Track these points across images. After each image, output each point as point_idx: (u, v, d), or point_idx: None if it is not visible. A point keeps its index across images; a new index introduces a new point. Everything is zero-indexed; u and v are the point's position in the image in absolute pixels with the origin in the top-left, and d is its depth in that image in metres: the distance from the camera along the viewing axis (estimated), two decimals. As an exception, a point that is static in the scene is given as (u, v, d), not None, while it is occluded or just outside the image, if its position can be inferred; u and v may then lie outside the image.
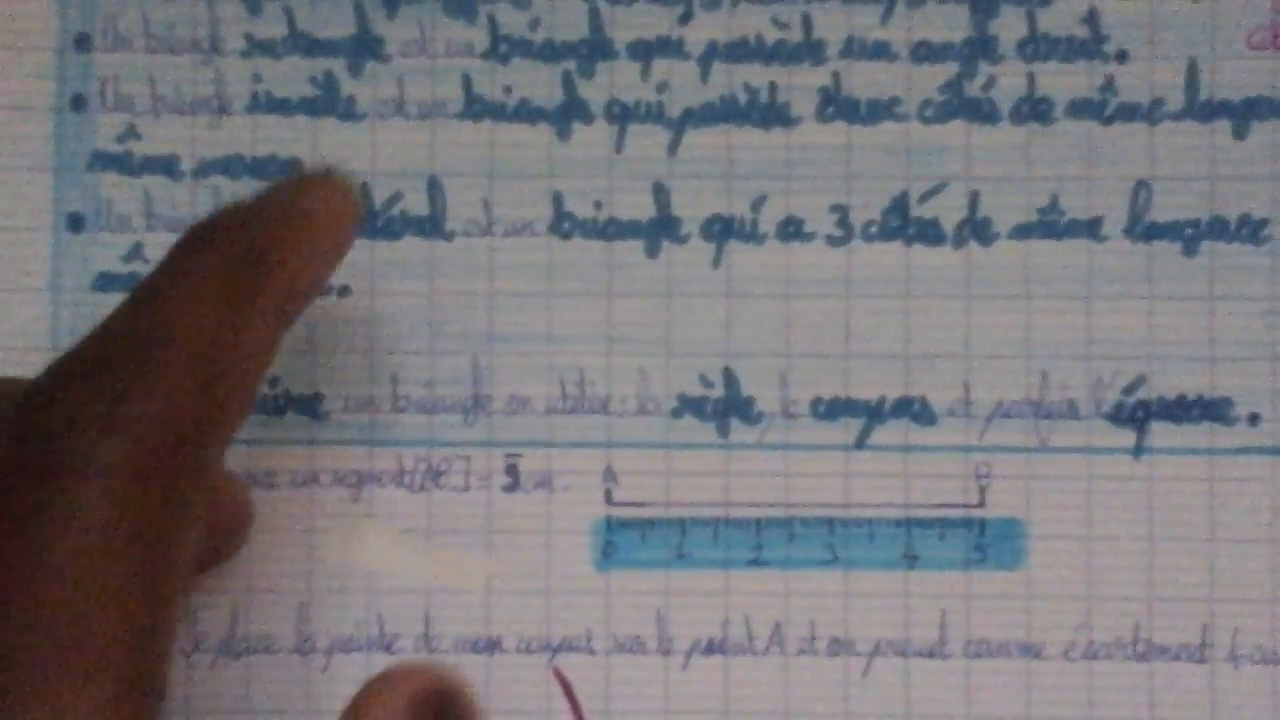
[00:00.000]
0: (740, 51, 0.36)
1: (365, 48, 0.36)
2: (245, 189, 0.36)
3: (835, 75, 0.36)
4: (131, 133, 0.36)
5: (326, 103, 0.36)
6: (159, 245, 0.36)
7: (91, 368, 0.27)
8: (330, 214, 0.32)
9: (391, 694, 0.29)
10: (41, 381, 0.28)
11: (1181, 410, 0.35)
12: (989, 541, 0.35)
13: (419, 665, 0.30)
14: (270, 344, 0.30)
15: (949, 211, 0.36)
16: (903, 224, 0.36)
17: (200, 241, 0.30)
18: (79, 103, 0.36)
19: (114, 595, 0.26)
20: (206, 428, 0.28)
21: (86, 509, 0.26)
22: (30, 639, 0.26)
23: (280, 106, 0.36)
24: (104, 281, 0.36)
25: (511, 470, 0.36)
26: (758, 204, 0.36)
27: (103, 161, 0.36)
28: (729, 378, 0.36)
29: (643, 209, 0.36)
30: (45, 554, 0.26)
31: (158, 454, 0.27)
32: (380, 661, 0.35)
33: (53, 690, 0.25)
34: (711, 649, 0.35)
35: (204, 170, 0.36)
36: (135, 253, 0.36)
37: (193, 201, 0.36)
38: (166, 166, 0.36)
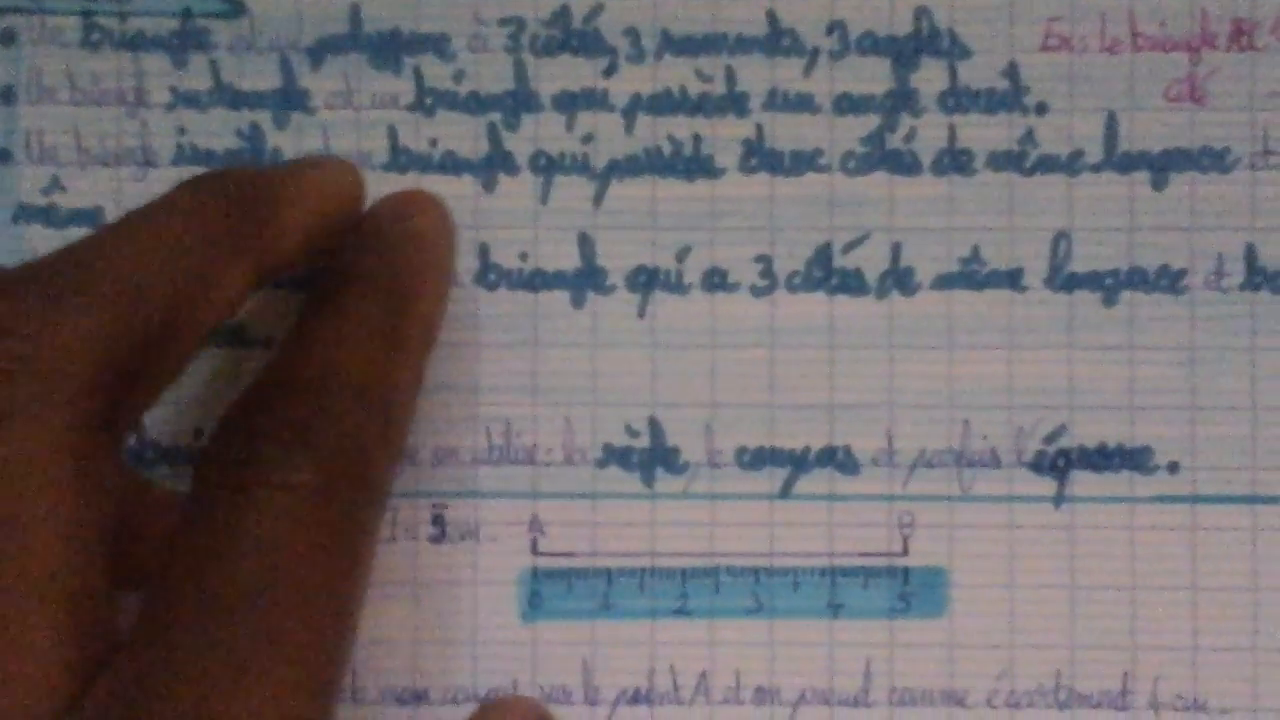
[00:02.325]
0: (664, 103, 0.36)
1: (290, 100, 0.36)
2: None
3: (758, 127, 0.36)
4: (56, 185, 0.36)
5: (252, 155, 0.36)
6: (84, 298, 0.35)
7: (278, 400, 0.30)
8: (448, 236, 0.35)
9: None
10: (234, 410, 0.30)
11: (1102, 459, 0.36)
12: (912, 590, 0.36)
13: (523, 699, 0.33)
14: (421, 372, 0.33)
15: (872, 262, 0.36)
16: (826, 274, 0.36)
17: (347, 281, 0.32)
18: (3, 155, 0.36)
19: (301, 606, 0.28)
20: (381, 452, 0.31)
21: (279, 520, 0.29)
22: (229, 639, 0.27)
23: (206, 158, 0.36)
24: (28, 334, 0.36)
25: (438, 521, 0.36)
26: (682, 254, 0.36)
27: (27, 214, 0.36)
28: (654, 427, 0.36)
29: (568, 260, 0.36)
30: (242, 568, 0.28)
31: (341, 474, 0.29)
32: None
33: (243, 693, 0.27)
34: (637, 699, 0.36)
35: (129, 223, 0.36)
36: (59, 305, 0.36)
37: (118, 254, 0.36)
38: (91, 219, 0.36)
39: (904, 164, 0.36)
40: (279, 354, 0.30)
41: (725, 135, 0.37)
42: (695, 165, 0.36)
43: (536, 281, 0.36)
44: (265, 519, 0.29)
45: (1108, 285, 0.36)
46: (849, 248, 0.36)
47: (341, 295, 0.31)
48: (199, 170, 0.36)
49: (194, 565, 0.28)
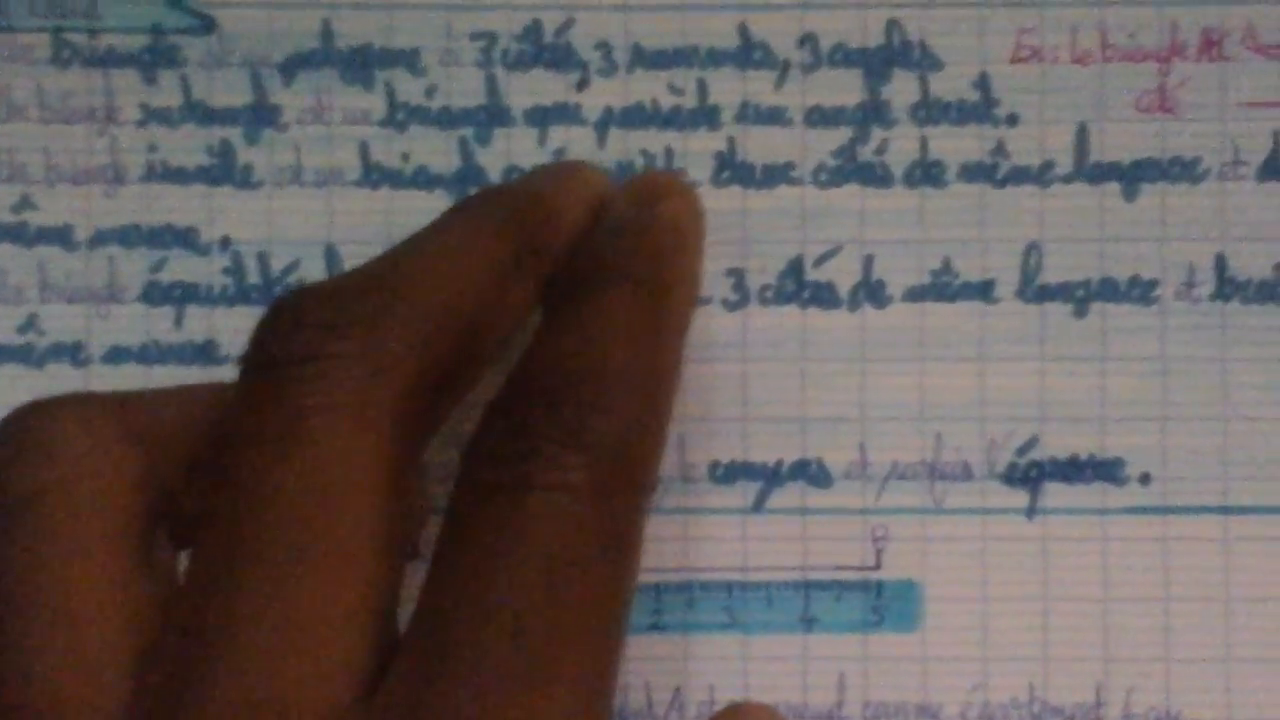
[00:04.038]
0: (636, 117, 0.36)
1: (262, 116, 0.36)
2: (141, 258, 0.36)
3: (730, 140, 0.36)
4: (26, 203, 0.36)
5: (223, 171, 0.36)
6: (53, 316, 0.36)
7: (545, 395, 0.29)
8: (697, 219, 0.35)
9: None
10: (498, 406, 0.30)
11: (1074, 470, 0.36)
12: (886, 603, 0.36)
13: (761, 707, 0.33)
14: (680, 362, 0.32)
15: (844, 275, 0.36)
16: (798, 287, 0.36)
17: (604, 275, 0.31)
18: (-27, 174, 0.36)
19: (583, 612, 0.28)
20: (650, 453, 0.30)
21: (553, 522, 0.28)
22: (508, 649, 0.27)
23: (176, 176, 0.36)
24: (-2, 352, 0.36)
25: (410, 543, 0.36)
26: (654, 269, 0.36)
27: (-3, 232, 0.36)
28: (627, 442, 0.36)
29: (540, 274, 0.36)
30: (519, 567, 0.28)
31: (615, 472, 0.29)
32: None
33: (519, 707, 0.27)
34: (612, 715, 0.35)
35: (99, 240, 0.36)
36: (30, 324, 0.36)
37: (88, 272, 0.36)
38: (61, 237, 0.36)
39: (876, 176, 0.37)
40: (538, 345, 0.29)
41: (697, 148, 0.37)
42: (667, 179, 0.36)
43: (509, 297, 0.36)
44: (544, 521, 0.28)
45: (1079, 296, 0.36)
46: (821, 260, 0.36)
47: (597, 285, 0.30)
48: (169, 188, 0.36)
49: (469, 567, 0.28)
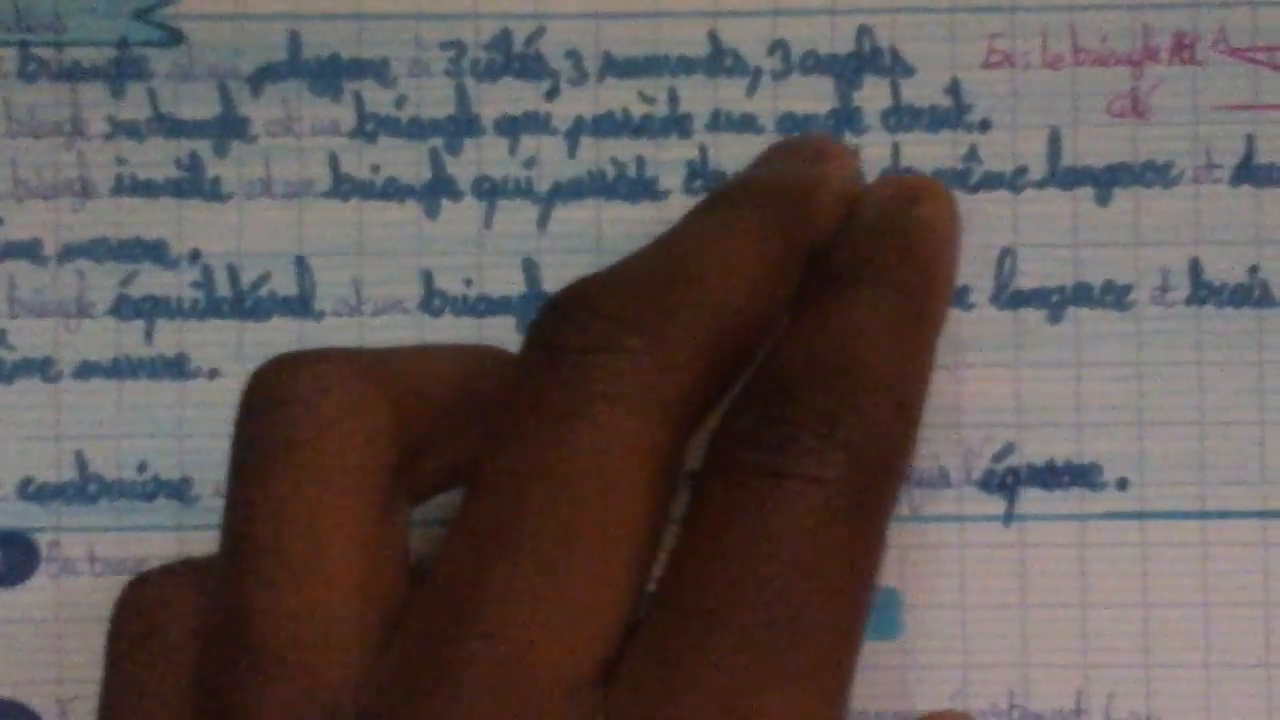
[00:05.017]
0: (607, 126, 0.36)
1: (230, 128, 0.36)
2: (111, 272, 0.36)
3: (702, 148, 0.36)
4: (-7, 218, 0.36)
5: (192, 184, 0.36)
6: (22, 331, 0.36)
7: (803, 388, 0.29)
8: (954, 223, 0.34)
9: None
10: (751, 395, 0.30)
11: (1050, 476, 0.36)
12: (864, 611, 0.35)
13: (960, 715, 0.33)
14: (930, 373, 0.32)
15: (817, 282, 0.36)
16: (772, 295, 0.36)
17: (861, 274, 0.31)
18: (-60, 189, 0.36)
19: (828, 608, 0.28)
20: (902, 451, 0.30)
21: (809, 515, 0.28)
22: (756, 634, 0.28)
23: (145, 188, 0.36)
24: (-33, 367, 0.36)
25: (389, 551, 0.35)
26: (628, 278, 0.36)
27: (-35, 247, 0.36)
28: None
29: (513, 285, 0.36)
30: (770, 556, 0.28)
31: (869, 472, 0.29)
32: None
33: (766, 693, 0.27)
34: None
35: (68, 254, 0.36)
36: (-1, 339, 0.36)
37: (57, 286, 0.36)
38: (30, 251, 0.36)
39: (849, 183, 0.36)
40: (790, 339, 0.29)
41: (669, 157, 0.36)
42: (639, 188, 0.36)
43: (481, 307, 0.36)
44: (799, 511, 0.28)
45: (1053, 302, 0.36)
46: (795, 268, 0.36)
47: (856, 283, 0.30)
48: (138, 201, 0.36)
49: (719, 551, 0.28)
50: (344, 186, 0.36)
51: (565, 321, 0.30)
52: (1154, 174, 0.36)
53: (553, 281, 0.36)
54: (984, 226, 0.36)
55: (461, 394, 0.31)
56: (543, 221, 0.36)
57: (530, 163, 0.36)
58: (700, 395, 0.30)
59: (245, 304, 0.36)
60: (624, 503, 0.28)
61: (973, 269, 0.36)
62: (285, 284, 0.36)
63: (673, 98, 0.37)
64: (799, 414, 0.29)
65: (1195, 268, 0.36)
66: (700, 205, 0.32)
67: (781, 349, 0.31)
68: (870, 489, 0.29)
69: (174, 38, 0.36)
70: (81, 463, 0.36)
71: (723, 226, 0.32)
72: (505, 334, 0.36)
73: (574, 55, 0.37)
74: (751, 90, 0.37)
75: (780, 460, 0.29)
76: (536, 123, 0.37)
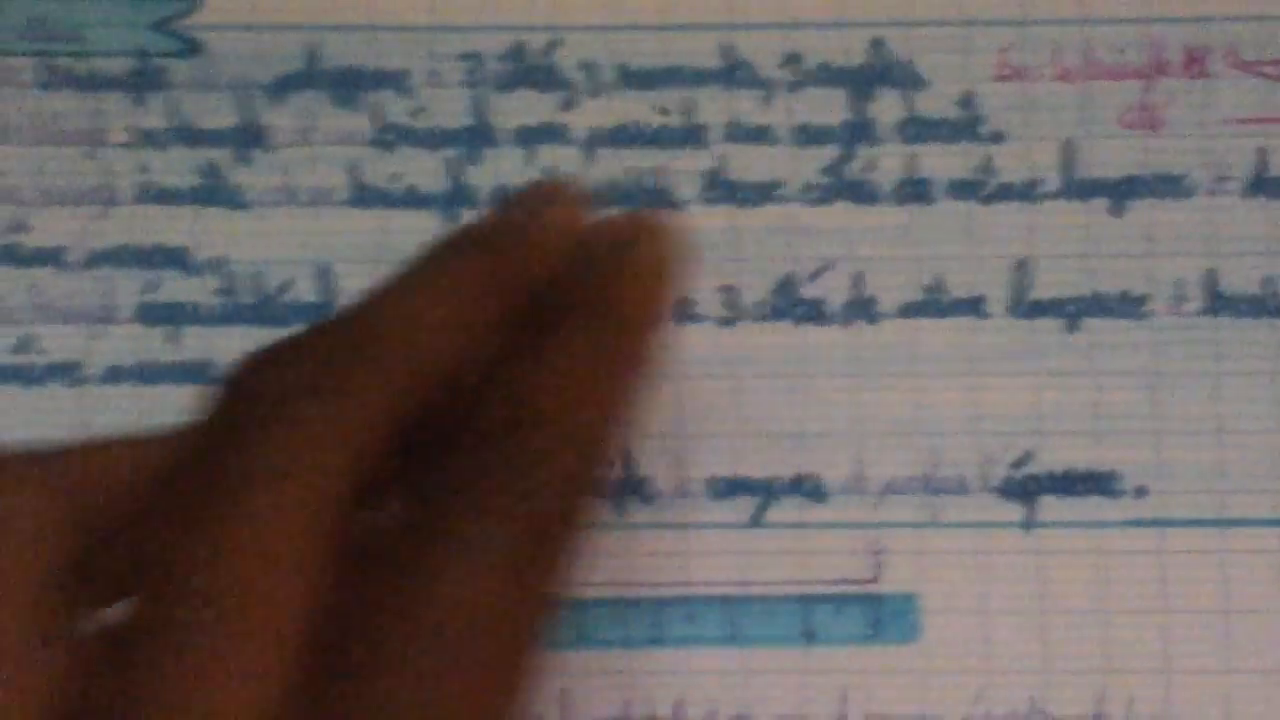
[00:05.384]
0: (623, 137, 0.36)
1: (251, 137, 0.36)
2: (133, 279, 0.36)
3: (718, 159, 0.36)
4: (19, 225, 0.36)
5: (213, 192, 0.36)
6: (48, 337, 0.36)
7: (476, 445, 0.28)
8: (669, 262, 0.32)
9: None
10: (425, 455, 0.28)
11: (1068, 484, 0.36)
12: (885, 617, 0.35)
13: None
14: (630, 415, 0.31)
15: (835, 291, 0.36)
16: (791, 304, 0.36)
17: (567, 315, 0.30)
18: (-37, 196, 0.36)
19: (495, 672, 0.27)
20: (585, 498, 0.29)
21: (481, 573, 0.27)
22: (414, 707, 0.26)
23: (167, 197, 0.36)
24: (-10, 374, 0.35)
25: (405, 557, 0.35)
26: (646, 287, 0.36)
27: (-12, 254, 0.36)
28: (625, 458, 0.36)
29: (532, 294, 0.36)
30: (431, 624, 0.26)
31: (545, 532, 0.28)
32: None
33: None
34: (611, 731, 0.35)
35: (92, 261, 0.36)
36: (24, 345, 0.36)
37: (82, 292, 0.36)
38: (54, 258, 0.36)
39: (864, 194, 0.37)
40: (492, 380, 0.29)
41: (685, 167, 0.37)
42: (656, 198, 0.37)
43: (500, 315, 0.36)
44: (464, 573, 0.27)
45: (1070, 311, 0.36)
46: (812, 277, 0.36)
47: (554, 328, 0.30)
48: (160, 209, 0.36)
49: (390, 609, 0.27)
50: (364, 195, 0.36)
51: (233, 393, 0.28)
52: (1167, 186, 0.37)
53: (571, 291, 0.36)
54: (999, 237, 0.36)
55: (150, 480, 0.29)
56: (561, 230, 0.36)
57: (547, 172, 0.36)
58: (380, 457, 0.28)
59: (269, 310, 0.36)
60: (288, 578, 0.26)
61: (989, 278, 0.36)
62: (306, 291, 0.36)
63: (688, 109, 0.37)
64: (481, 464, 0.28)
65: (1210, 278, 0.36)
66: (412, 257, 0.32)
67: (480, 391, 0.29)
68: (544, 541, 0.28)
69: (193, 48, 0.37)
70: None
71: (420, 282, 0.31)
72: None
73: (589, 67, 0.37)
74: (767, 102, 0.37)
75: (447, 520, 0.27)
76: (553, 133, 0.37)
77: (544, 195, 0.32)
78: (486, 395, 0.29)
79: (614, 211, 0.33)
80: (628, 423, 0.30)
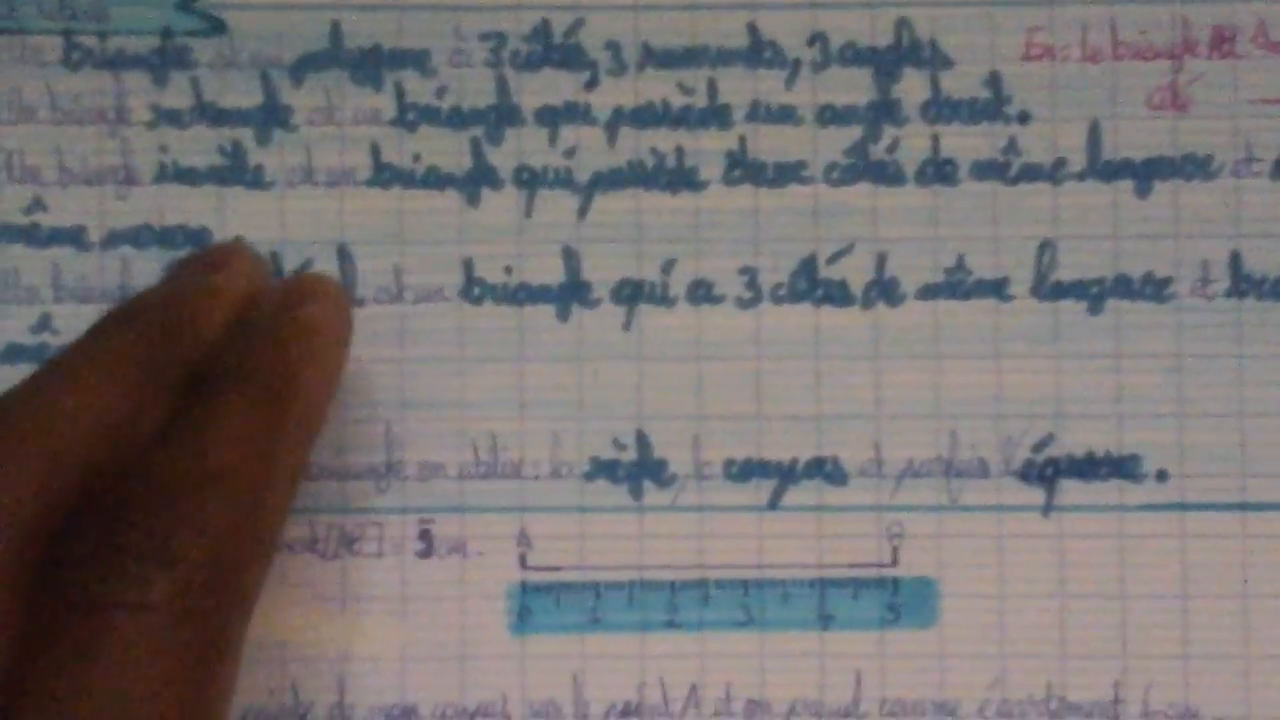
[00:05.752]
0: (647, 116, 0.36)
1: (272, 117, 0.36)
2: (154, 259, 0.36)
3: (741, 139, 0.36)
4: (38, 204, 0.36)
5: (234, 172, 0.36)
6: (67, 316, 0.36)
7: (137, 506, 0.28)
8: (338, 325, 0.33)
9: None
10: (85, 520, 0.28)
11: (1090, 467, 0.36)
12: (902, 601, 0.36)
13: None
14: (300, 466, 0.31)
15: (856, 273, 0.36)
16: (811, 286, 0.36)
17: (225, 377, 0.31)
18: (-16, 175, 0.36)
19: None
20: (249, 561, 0.29)
21: (135, 645, 0.27)
22: None
23: (188, 176, 0.36)
24: (12, 353, 0.36)
25: (425, 536, 0.36)
26: (667, 267, 0.36)
27: (9, 234, 0.36)
28: (642, 440, 0.36)
29: (553, 273, 0.36)
30: (92, 693, 0.27)
31: (205, 588, 0.28)
32: (292, 732, 0.35)
33: None
34: (628, 712, 0.35)
35: (112, 241, 0.36)
36: (43, 324, 0.36)
37: (101, 272, 0.36)
38: (74, 238, 0.36)
39: (887, 174, 0.36)
40: (150, 450, 0.29)
41: (708, 147, 0.37)
42: (679, 178, 0.36)
43: (521, 296, 0.36)
44: (123, 642, 0.27)
45: (1093, 293, 0.36)
46: (834, 259, 0.36)
47: (214, 393, 0.30)
48: (181, 189, 0.36)
49: (47, 691, 0.27)
50: (385, 175, 0.36)
51: None
52: (1194, 167, 0.36)
53: (592, 270, 0.36)
54: (1024, 219, 0.36)
55: None
56: (583, 211, 0.36)
57: (570, 152, 0.37)
58: (39, 539, 0.29)
59: (287, 291, 0.36)
60: None
61: (1013, 260, 0.36)
62: (327, 271, 0.36)
63: (712, 89, 0.37)
64: (128, 538, 0.28)
65: (1235, 260, 0.36)
66: (87, 331, 0.32)
67: (135, 466, 0.30)
68: (206, 607, 0.29)
69: (216, 27, 0.37)
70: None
71: (67, 371, 0.31)
72: (544, 320, 0.36)
73: (613, 46, 0.37)
74: (790, 82, 0.37)
75: (104, 590, 0.28)
76: (576, 113, 0.37)
77: (215, 261, 0.33)
78: (147, 459, 0.29)
79: (294, 272, 0.35)
80: (293, 478, 0.31)
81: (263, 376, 0.31)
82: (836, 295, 0.36)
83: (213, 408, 0.30)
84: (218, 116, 0.36)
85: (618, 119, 0.36)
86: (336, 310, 0.33)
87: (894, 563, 0.36)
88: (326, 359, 0.33)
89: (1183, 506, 0.36)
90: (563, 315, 0.36)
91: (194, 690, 0.28)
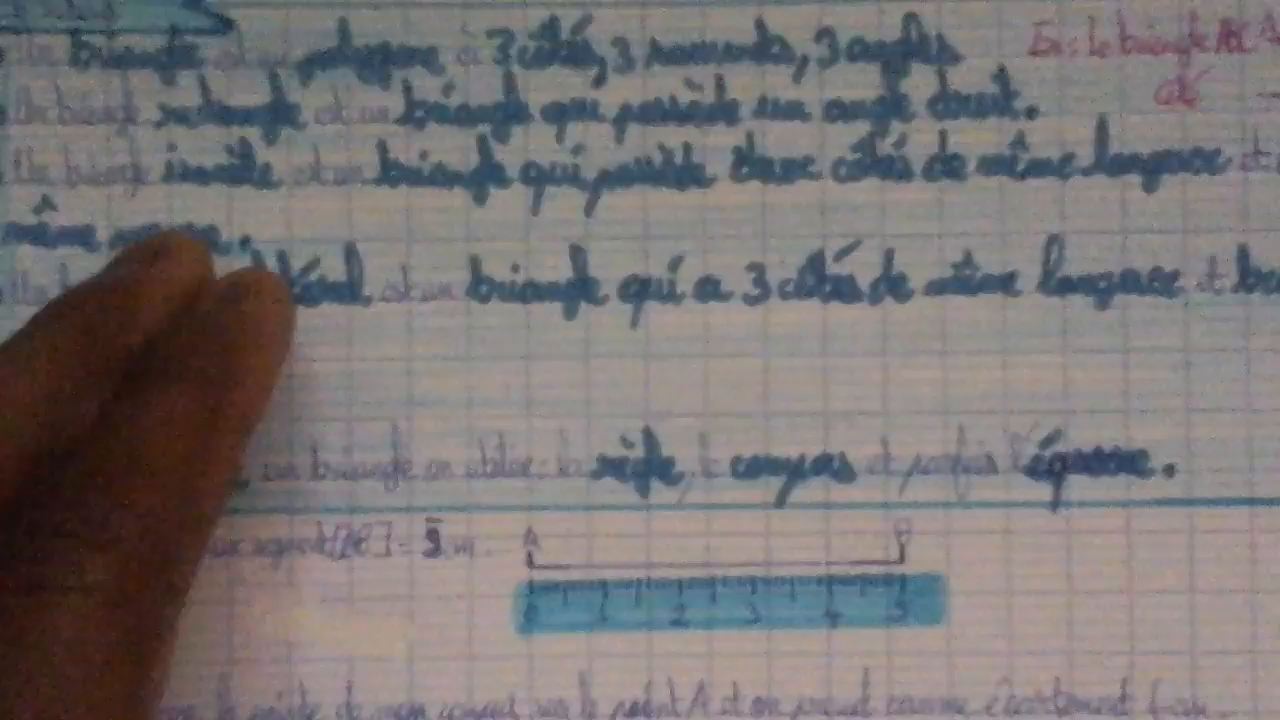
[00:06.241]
0: (654, 113, 0.36)
1: (280, 115, 0.36)
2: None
3: (749, 135, 0.36)
4: (47, 204, 0.36)
5: (242, 171, 0.36)
6: (74, 316, 0.36)
7: (73, 489, 0.29)
8: (280, 320, 0.33)
9: None
10: (24, 504, 0.29)
11: (1098, 463, 0.36)
12: (910, 598, 0.36)
13: None
14: (237, 458, 0.32)
15: (864, 269, 0.36)
16: (819, 282, 0.36)
17: (165, 366, 0.31)
18: (-8, 175, 0.36)
19: (96, 713, 0.27)
20: (185, 543, 0.30)
21: (72, 627, 0.27)
22: None
23: (196, 175, 0.36)
24: (20, 353, 0.36)
25: (432, 535, 0.36)
26: (675, 264, 0.36)
27: (18, 234, 0.36)
28: (649, 438, 0.36)
29: (560, 271, 0.36)
30: (29, 674, 0.27)
31: (140, 572, 0.28)
32: (302, 730, 0.35)
33: None
34: (635, 711, 0.35)
35: (120, 240, 0.36)
36: (52, 324, 0.36)
37: (108, 272, 0.36)
38: (82, 237, 0.36)
39: (895, 170, 0.36)
40: (87, 437, 0.29)
41: (716, 144, 0.37)
42: (686, 174, 0.36)
43: (529, 293, 0.36)
44: (60, 623, 0.27)
45: (1101, 288, 0.36)
46: (841, 254, 0.36)
47: (153, 381, 0.30)
48: (189, 188, 0.36)
49: None
50: (393, 173, 0.36)
51: None
52: (1201, 161, 0.36)
53: (599, 267, 0.36)
54: (1031, 214, 0.36)
55: None
56: (590, 208, 0.36)
57: (578, 149, 0.37)
58: None
59: (295, 289, 0.36)
60: None
61: (1020, 256, 0.36)
62: (334, 270, 0.36)
63: (719, 85, 0.37)
64: (63, 521, 0.29)
65: (1243, 255, 0.36)
66: (30, 320, 0.33)
67: (72, 453, 0.30)
68: (141, 592, 0.29)
69: (224, 25, 0.37)
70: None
71: (8, 360, 0.31)
72: (552, 318, 0.36)
73: (621, 43, 0.37)
74: (798, 77, 0.37)
75: (40, 572, 0.28)
76: (584, 110, 0.37)
77: (157, 249, 0.33)
78: (85, 444, 0.29)
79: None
80: (229, 469, 0.31)
81: (202, 367, 0.32)
82: (844, 291, 0.36)
83: (151, 395, 0.31)
84: (225, 115, 0.36)
85: (625, 116, 0.36)
86: (278, 305, 0.34)
87: (902, 560, 0.36)
88: (267, 353, 0.33)
89: (1190, 502, 0.36)
90: (570, 313, 0.36)
91: (130, 672, 0.28)
